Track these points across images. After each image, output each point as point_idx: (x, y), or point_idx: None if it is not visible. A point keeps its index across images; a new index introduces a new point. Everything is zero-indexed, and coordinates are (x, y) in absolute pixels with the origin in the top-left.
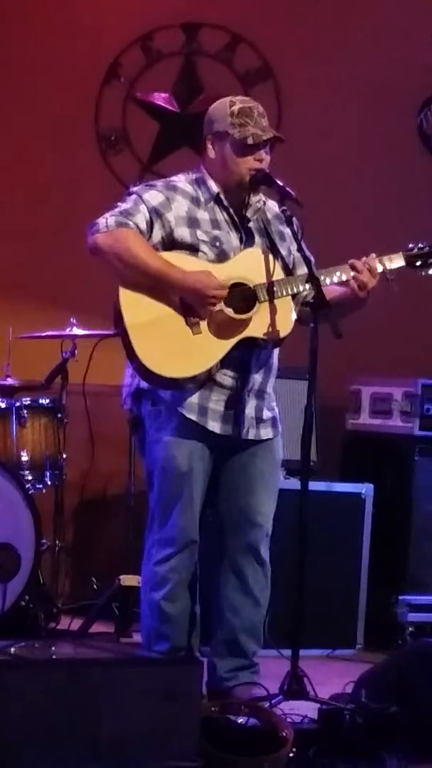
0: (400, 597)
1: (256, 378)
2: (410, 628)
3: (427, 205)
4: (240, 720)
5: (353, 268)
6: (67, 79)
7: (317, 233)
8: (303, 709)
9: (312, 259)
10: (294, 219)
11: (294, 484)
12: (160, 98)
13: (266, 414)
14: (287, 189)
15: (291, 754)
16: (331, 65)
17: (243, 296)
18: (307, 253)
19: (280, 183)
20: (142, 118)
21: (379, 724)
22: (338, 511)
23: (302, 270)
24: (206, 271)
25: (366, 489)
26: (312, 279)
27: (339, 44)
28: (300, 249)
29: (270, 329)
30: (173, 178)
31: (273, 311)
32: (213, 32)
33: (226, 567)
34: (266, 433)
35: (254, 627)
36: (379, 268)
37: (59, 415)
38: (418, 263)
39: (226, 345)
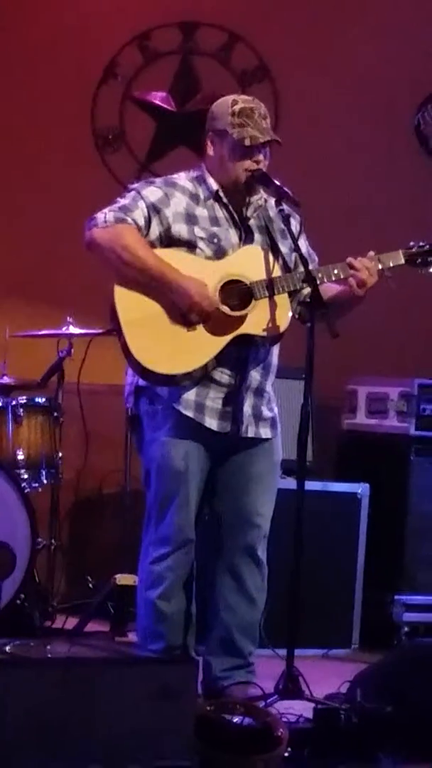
0: (396, 597)
1: (254, 376)
2: (406, 628)
3: (424, 204)
4: (235, 719)
5: (351, 266)
6: (64, 78)
7: (314, 232)
8: (298, 709)
9: (314, 257)
10: (291, 218)
11: (290, 483)
12: (158, 97)
13: (266, 413)
14: (284, 189)
15: (286, 754)
16: (328, 65)
17: (239, 293)
18: (305, 252)
19: (278, 183)
20: (139, 117)
21: (375, 724)
22: (334, 511)
23: (302, 268)
24: (203, 283)
25: (362, 489)
26: (309, 278)
27: (336, 44)
28: (297, 248)
29: (266, 326)
30: (174, 175)
31: (269, 308)
32: (210, 31)
33: (223, 567)
34: (265, 432)
35: (250, 626)
36: (378, 266)
37: (55, 414)
38: (418, 261)
39: (222, 342)
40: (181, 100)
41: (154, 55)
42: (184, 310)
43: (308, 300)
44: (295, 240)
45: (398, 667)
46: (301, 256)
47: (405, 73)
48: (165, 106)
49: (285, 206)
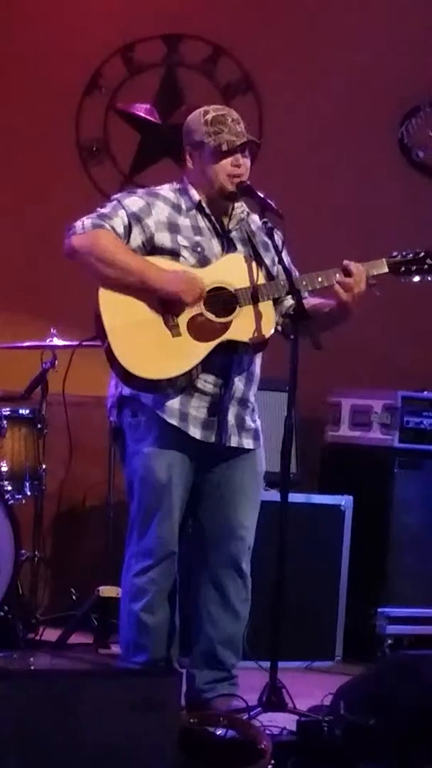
0: (379, 609)
1: (238, 385)
2: (389, 641)
3: (408, 215)
4: (218, 732)
5: (346, 270)
6: (48, 90)
7: (299, 243)
8: (281, 721)
9: (295, 273)
10: (275, 231)
11: (274, 495)
12: (142, 109)
13: (249, 423)
14: (268, 201)
15: (269, 766)
16: (312, 78)
17: (223, 300)
18: (288, 265)
19: (261, 195)
20: (123, 129)
21: (358, 736)
22: (317, 523)
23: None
24: (184, 269)
25: (345, 501)
26: (293, 291)
27: (320, 57)
28: (281, 261)
29: (251, 333)
30: (156, 187)
31: (253, 316)
32: (194, 44)
33: (207, 579)
34: (248, 443)
35: (233, 640)
36: (363, 270)
37: (39, 426)
38: (401, 270)
39: (206, 348)
40: (165, 112)
41: (139, 67)
42: (173, 300)
43: (292, 312)
44: (279, 252)
45: (381, 679)
46: (284, 268)
47: (389, 85)
48: (149, 118)
49: (269, 219)
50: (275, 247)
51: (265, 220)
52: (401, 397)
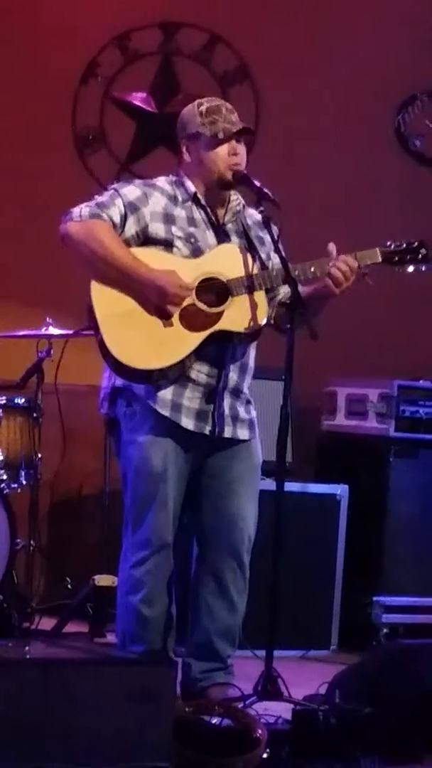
0: (375, 598)
1: (232, 376)
2: (385, 630)
3: (405, 205)
4: (213, 720)
5: (330, 275)
6: (44, 78)
7: (294, 233)
8: (277, 710)
9: (300, 265)
10: (272, 222)
11: (269, 484)
12: (138, 98)
13: (243, 414)
14: (264, 190)
15: (265, 755)
16: (309, 66)
17: (216, 290)
18: (284, 255)
19: (258, 184)
20: (119, 117)
21: (353, 725)
22: (313, 512)
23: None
24: (171, 270)
25: (341, 490)
26: (289, 280)
27: (317, 45)
28: (277, 250)
29: (243, 323)
30: (153, 179)
31: (246, 305)
32: (191, 32)
33: (206, 570)
34: (243, 433)
35: (229, 631)
36: (354, 264)
37: (34, 415)
38: (395, 259)
39: (198, 337)
40: (162, 100)
41: (135, 55)
42: (158, 302)
43: (287, 301)
44: (275, 241)
45: (377, 668)
46: (282, 258)
47: (386, 74)
48: (145, 106)
49: (265, 208)
50: (272, 237)
51: (261, 209)
52: (397, 386)
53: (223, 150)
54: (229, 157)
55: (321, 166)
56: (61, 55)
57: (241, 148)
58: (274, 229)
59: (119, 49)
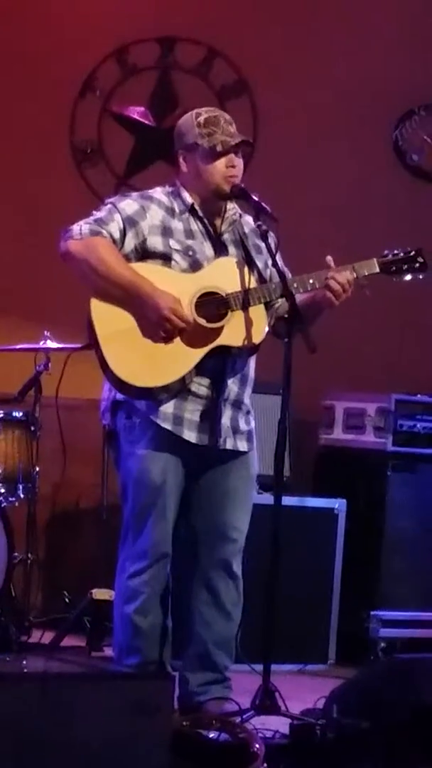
0: (372, 613)
1: (232, 387)
2: (382, 644)
3: (401, 218)
4: (211, 735)
5: (329, 288)
6: (42, 92)
7: (293, 246)
8: (274, 724)
9: (288, 275)
10: (270, 233)
11: (267, 498)
12: (136, 112)
13: (243, 426)
14: (262, 204)
15: None
16: (306, 80)
17: (215, 305)
18: (282, 267)
19: (256, 198)
20: (117, 131)
21: (351, 739)
22: (311, 526)
23: (277, 280)
24: (175, 297)
25: (339, 504)
26: (287, 294)
27: (315, 59)
28: (275, 264)
29: (243, 337)
30: (149, 190)
31: (245, 320)
32: (189, 46)
33: (199, 581)
34: (242, 445)
35: (226, 641)
36: (353, 276)
37: (32, 428)
38: (393, 269)
39: (199, 354)
40: (160, 114)
41: (133, 69)
42: (155, 325)
43: (286, 316)
44: (273, 255)
45: (374, 682)
46: (279, 271)
47: (383, 88)
48: (143, 120)
49: (263, 222)
50: (269, 249)
51: (259, 222)
52: (395, 401)
53: (221, 163)
54: (226, 169)
55: (319, 179)
56: (59, 69)
57: (239, 161)
58: (273, 241)
59: (118, 63)
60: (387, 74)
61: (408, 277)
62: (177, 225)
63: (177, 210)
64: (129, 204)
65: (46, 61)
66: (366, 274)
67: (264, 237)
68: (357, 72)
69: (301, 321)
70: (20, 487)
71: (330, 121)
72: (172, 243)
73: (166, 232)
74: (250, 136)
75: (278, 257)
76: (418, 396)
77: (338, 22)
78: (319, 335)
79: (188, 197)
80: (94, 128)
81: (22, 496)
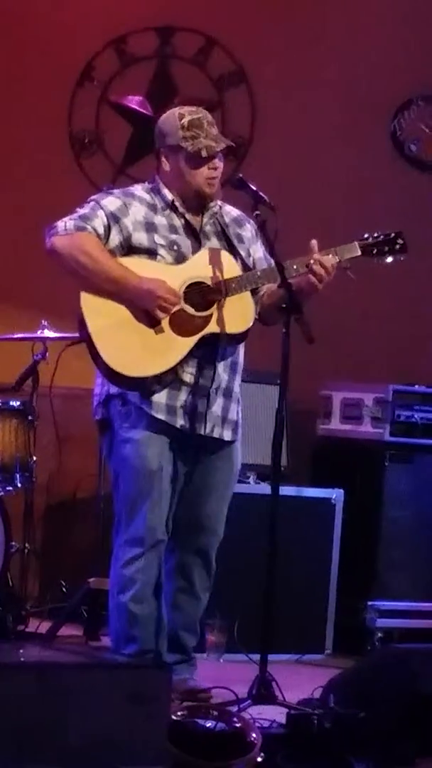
0: (369, 603)
1: (222, 376)
2: (379, 634)
3: (401, 209)
4: (208, 724)
5: (313, 272)
6: (40, 82)
7: (291, 236)
8: (271, 714)
9: (272, 263)
10: (267, 225)
11: (264, 488)
12: (134, 101)
13: (231, 415)
14: (261, 193)
15: (259, 759)
16: (305, 70)
17: (203, 294)
18: (261, 255)
19: (254, 187)
20: (115, 121)
21: (348, 729)
22: (308, 517)
23: (260, 269)
24: (160, 279)
25: (336, 494)
26: (285, 285)
27: (313, 48)
28: (272, 254)
29: (231, 325)
30: (130, 187)
31: (233, 307)
32: (187, 36)
33: (174, 566)
34: (228, 435)
35: (194, 623)
36: (336, 260)
37: (29, 418)
38: (374, 251)
39: (189, 342)
40: (158, 104)
41: (131, 59)
42: (148, 307)
43: (284, 306)
44: (271, 245)
45: (371, 672)
46: (277, 262)
47: (382, 78)
48: (141, 110)
49: (261, 212)
50: (267, 239)
51: (257, 212)
52: (392, 391)
53: (203, 167)
54: (209, 171)
55: (317, 169)
56: (57, 58)
57: (220, 164)
58: (269, 232)
59: (116, 52)
60: (385, 64)
61: (389, 259)
62: (160, 220)
63: (159, 206)
64: (111, 201)
65: (44, 50)
66: (348, 257)
67: (262, 229)
68: (356, 62)
69: (300, 311)
70: (17, 476)
71: (328, 111)
72: (157, 238)
73: (150, 227)
74: (247, 126)
75: (259, 245)
76: (416, 386)
77: (336, 12)
78: (316, 326)
79: (168, 194)
80: (92, 118)
81: (19, 485)
